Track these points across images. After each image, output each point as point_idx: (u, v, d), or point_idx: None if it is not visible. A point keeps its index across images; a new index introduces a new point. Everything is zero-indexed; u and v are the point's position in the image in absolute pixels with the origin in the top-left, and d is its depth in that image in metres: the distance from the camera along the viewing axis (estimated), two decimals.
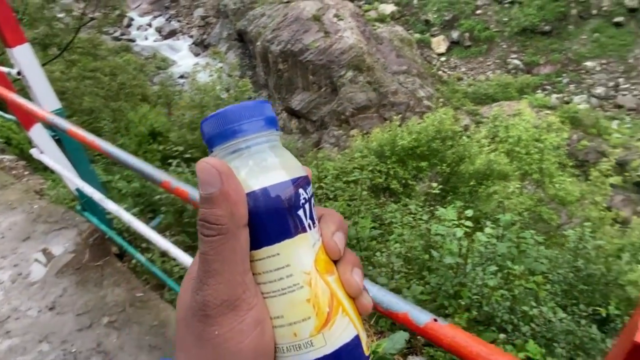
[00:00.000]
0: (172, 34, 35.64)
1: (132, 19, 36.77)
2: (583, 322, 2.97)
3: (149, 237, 1.87)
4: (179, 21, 37.31)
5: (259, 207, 0.38)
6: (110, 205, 2.04)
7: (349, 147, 9.32)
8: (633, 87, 20.97)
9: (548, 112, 19.72)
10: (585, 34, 22.76)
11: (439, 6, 26.20)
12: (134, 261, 2.93)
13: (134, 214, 4.48)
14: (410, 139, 7.01)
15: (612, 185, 9.49)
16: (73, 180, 2.33)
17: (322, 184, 5.61)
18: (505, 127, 9.65)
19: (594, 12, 22.85)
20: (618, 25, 22.21)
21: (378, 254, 3.66)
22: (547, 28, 23.38)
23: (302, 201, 0.40)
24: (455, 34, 25.51)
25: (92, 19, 10.63)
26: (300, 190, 0.40)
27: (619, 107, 20.46)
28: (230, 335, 0.37)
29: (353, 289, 0.42)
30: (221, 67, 18.22)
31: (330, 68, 24.13)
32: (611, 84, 21.33)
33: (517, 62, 23.55)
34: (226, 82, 14.13)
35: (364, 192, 6.25)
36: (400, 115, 21.95)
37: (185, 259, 1.70)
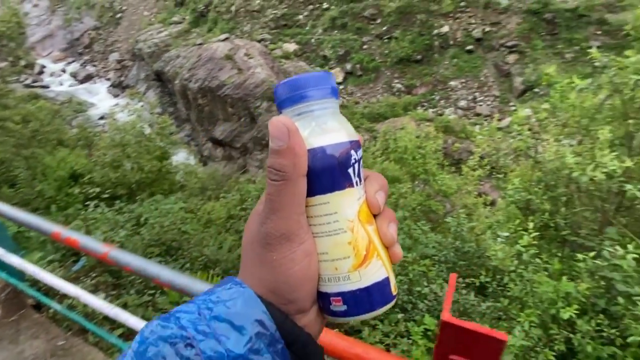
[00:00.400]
0: (88, 78, 32.65)
1: (43, 66, 32.97)
2: (464, 291, 3.25)
3: (57, 286, 1.66)
4: (94, 66, 34.34)
5: (317, 161, 0.41)
6: (13, 259, 1.77)
7: None
8: (486, 99, 23.87)
9: (427, 123, 21.60)
10: (447, 60, 25.50)
11: (333, 44, 27.53)
12: (51, 310, 2.58)
13: (56, 260, 3.94)
14: None
15: (480, 176, 10.49)
16: None
17: (244, 206, 5.48)
18: (394, 139, 10.30)
19: (451, 42, 25.74)
20: (469, 52, 25.25)
21: None
22: (418, 57, 25.78)
23: (353, 161, 0.42)
24: (348, 66, 26.96)
25: None
26: (352, 152, 0.42)
27: (478, 114, 23.14)
28: (284, 261, 0.40)
29: (388, 239, 0.44)
30: (142, 106, 17.11)
31: (247, 100, 23.92)
32: (470, 97, 24.08)
33: (399, 85, 25.57)
34: (148, 119, 13.26)
35: None
36: None
37: (96, 303, 1.53)
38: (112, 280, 3.38)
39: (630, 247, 2.43)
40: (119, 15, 37.02)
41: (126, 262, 0.95)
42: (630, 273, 2.58)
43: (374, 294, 0.43)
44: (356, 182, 0.43)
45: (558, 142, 3.99)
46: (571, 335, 2.56)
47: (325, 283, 0.43)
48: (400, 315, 2.69)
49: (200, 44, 27.49)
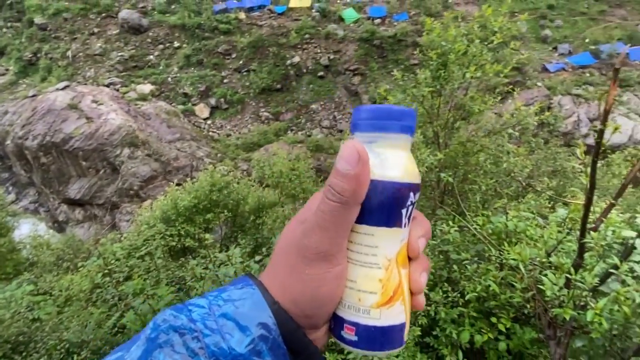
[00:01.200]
0: None
1: None
2: None
3: None
4: None
5: (375, 194, 0.41)
6: None
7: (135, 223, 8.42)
8: (344, 117, 26.42)
9: (300, 145, 22.73)
10: (304, 86, 27.47)
11: (192, 80, 26.87)
12: None
13: None
14: (190, 198, 6.82)
15: None
16: None
17: (110, 269, 4.81)
18: (268, 165, 10.51)
19: (304, 70, 27.85)
20: (321, 77, 27.72)
21: None
22: (278, 86, 27.12)
23: (408, 203, 0.42)
24: (212, 101, 26.62)
25: None
26: (410, 194, 0.42)
27: (340, 131, 25.40)
28: (315, 278, 0.41)
29: (417, 287, 0.44)
30: None
31: (104, 150, 21.31)
32: (331, 117, 26.33)
33: (266, 114, 26.37)
34: None
35: (159, 260, 5.69)
36: (187, 176, 21.23)
37: None
38: None
39: (452, 222, 2.97)
40: None
41: None
42: (457, 243, 3.14)
43: (387, 336, 0.43)
44: (405, 224, 0.43)
45: None
46: (429, 308, 2.95)
47: (344, 308, 0.43)
48: None
49: (33, 96, 23.57)
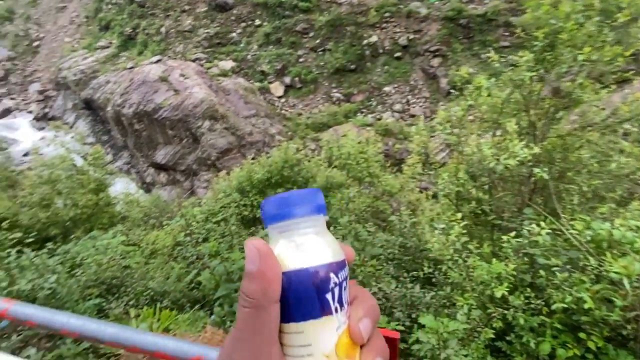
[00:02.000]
0: (6, 112, 29.63)
1: None
2: (409, 285, 3.38)
3: None
4: (12, 99, 31.26)
5: (291, 286, 0.38)
6: None
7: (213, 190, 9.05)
8: (418, 101, 25.31)
9: (369, 128, 22.38)
10: (379, 67, 26.72)
11: (269, 58, 27.66)
12: None
13: None
14: (263, 172, 7.12)
15: (418, 173, 10.96)
16: None
17: (191, 230, 5.26)
18: (337, 147, 10.53)
19: (381, 50, 27.03)
20: (398, 58, 26.68)
21: None
22: (352, 67, 26.74)
23: (332, 285, 0.39)
24: (287, 79, 27.21)
25: None
26: (331, 275, 0.39)
27: (413, 116, 24.44)
28: None
29: None
30: (72, 137, 15.83)
31: (187, 121, 23.12)
32: (404, 100, 25.39)
33: (338, 95, 26.29)
34: (79, 151, 12.31)
35: (233, 227, 6.08)
36: (259, 151, 22.26)
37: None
38: (44, 331, 3.06)
39: (543, 224, 2.69)
40: (36, 44, 34.21)
41: (29, 316, 0.87)
42: (547, 247, 2.85)
43: None
44: (336, 309, 0.39)
45: (478, 136, 4.33)
46: (505, 312, 2.75)
47: None
48: None
49: (131, 68, 26.22)
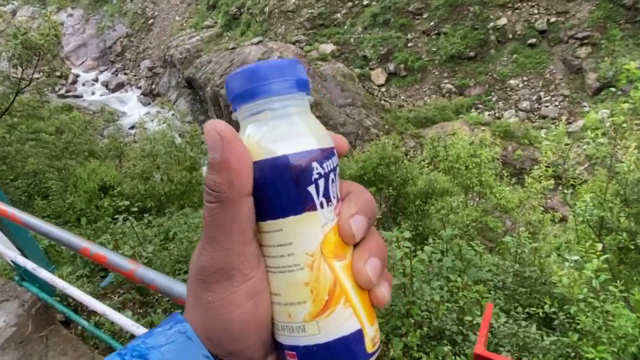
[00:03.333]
0: (119, 86, 35.07)
1: (77, 76, 35.90)
2: (524, 323, 3.12)
3: (86, 302, 1.81)
4: (125, 74, 36.84)
5: (265, 177, 0.35)
6: (44, 274, 1.96)
7: None
8: (553, 99, 22.82)
9: (483, 128, 20.97)
10: (505, 56, 24.75)
11: (374, 42, 27.66)
12: (80, 327, 2.78)
13: (84, 275, 4.26)
14: (357, 168, 7.21)
15: (546, 188, 10.06)
16: (5, 251, 2.22)
17: None
18: (444, 146, 10.14)
19: (510, 36, 24.98)
20: (532, 46, 24.36)
21: None
22: (471, 54, 25.23)
23: (315, 176, 0.36)
24: (391, 66, 26.92)
25: (31, 81, 10.32)
26: (315, 164, 0.36)
27: (544, 117, 22.14)
28: (221, 304, 0.35)
29: (363, 280, 0.37)
30: (172, 114, 18.05)
31: None
32: (534, 97, 23.14)
33: (449, 86, 25.11)
34: (178, 128, 13.98)
35: None
36: (351, 144, 22.54)
37: (122, 321, 1.65)
38: (140, 297, 3.59)
39: None
40: (150, 22, 39.59)
41: (152, 280, 1.04)
42: None
43: (338, 352, 0.36)
44: (321, 204, 0.36)
45: (639, 150, 3.76)
46: None
47: (279, 331, 0.38)
48: (447, 348, 2.63)
49: (232, 48, 28.72)
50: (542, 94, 23.08)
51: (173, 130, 12.86)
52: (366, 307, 0.38)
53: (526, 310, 3.38)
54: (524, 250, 4.48)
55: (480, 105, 23.88)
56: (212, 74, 27.63)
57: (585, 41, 22.72)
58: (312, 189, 0.36)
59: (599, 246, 2.62)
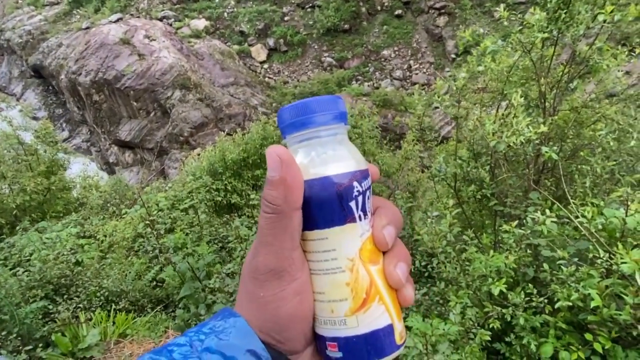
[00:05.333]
0: None
1: None
2: None
3: None
4: None
5: (314, 194, 0.42)
6: None
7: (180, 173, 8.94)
8: (422, 67, 25.03)
9: (365, 99, 22.17)
10: (377, 28, 26.23)
11: (249, 17, 26.92)
12: None
13: None
14: (239, 151, 7.01)
15: (419, 149, 10.97)
16: None
17: (153, 219, 5.18)
18: None
19: (379, 8, 26.48)
20: (399, 17, 26.18)
21: (215, 280, 3.52)
22: (346, 26, 26.19)
23: (355, 193, 0.43)
24: (271, 41, 26.60)
25: None
26: (355, 183, 0.43)
27: (415, 84, 24.21)
28: (271, 299, 0.42)
29: (394, 281, 0.45)
30: (20, 111, 15.41)
31: (155, 91, 22.67)
32: (405, 66, 25.09)
33: (330, 59, 25.84)
34: (28, 127, 12.00)
35: (203, 215, 6.02)
36: (239, 126, 21.98)
37: None
38: None
39: (548, 211, 2.67)
40: None
41: None
42: (553, 237, 2.84)
43: (373, 343, 0.44)
44: (359, 217, 0.44)
45: (483, 109, 4.26)
46: (504, 311, 2.77)
47: (321, 325, 0.45)
48: None
49: (86, 28, 25.39)
50: (411, 62, 25.13)
51: (20, 129, 11.00)
52: (395, 305, 0.45)
53: None
54: (401, 211, 4.85)
55: (359, 77, 25.11)
56: (65, 60, 24.16)
57: (443, 11, 25.20)
58: (352, 204, 0.43)
59: (451, 202, 2.94)
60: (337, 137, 0.45)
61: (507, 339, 2.92)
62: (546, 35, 3.28)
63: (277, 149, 0.42)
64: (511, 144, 2.92)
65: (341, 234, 0.43)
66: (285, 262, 0.42)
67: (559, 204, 2.85)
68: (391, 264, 0.45)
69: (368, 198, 0.45)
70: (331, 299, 0.44)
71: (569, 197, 3.13)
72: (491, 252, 2.78)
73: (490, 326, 2.81)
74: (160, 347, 0.41)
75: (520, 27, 3.27)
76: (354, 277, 0.43)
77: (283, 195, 0.41)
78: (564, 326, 2.74)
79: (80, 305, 3.80)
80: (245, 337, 0.42)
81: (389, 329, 0.45)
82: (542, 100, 3.39)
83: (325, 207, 0.43)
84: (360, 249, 0.44)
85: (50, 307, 3.79)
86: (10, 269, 4.57)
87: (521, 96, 2.84)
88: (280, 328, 0.43)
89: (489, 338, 2.75)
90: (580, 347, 2.59)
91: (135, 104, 22.91)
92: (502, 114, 3.65)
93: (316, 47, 26.49)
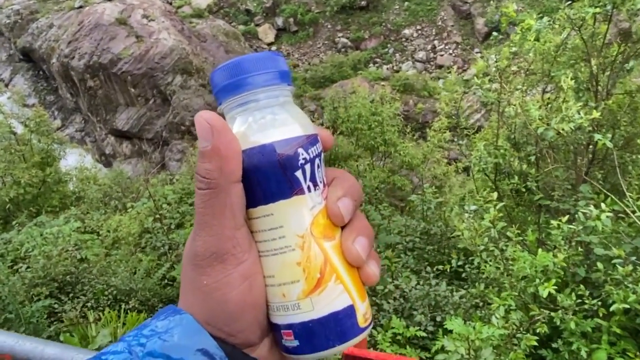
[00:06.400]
0: None
1: None
2: (434, 282, 3.40)
3: None
4: None
5: (254, 164, 0.41)
6: None
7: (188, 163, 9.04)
8: (447, 47, 24.80)
9: (383, 83, 22.06)
10: (397, 4, 26.03)
11: None
12: None
13: None
14: None
15: (447, 140, 10.91)
16: None
17: (161, 214, 5.28)
18: (344, 107, 10.39)
19: None
20: None
21: None
22: (363, 3, 26.04)
23: (302, 161, 0.42)
24: (279, 21, 26.57)
25: None
26: (300, 150, 0.42)
27: (440, 67, 24.01)
28: (216, 286, 0.41)
29: (352, 257, 0.43)
30: (9, 98, 15.71)
31: (154, 76, 22.88)
32: (429, 47, 24.88)
33: (344, 40, 25.73)
34: (18, 115, 12.23)
35: None
36: None
37: None
38: None
39: (603, 205, 2.66)
40: None
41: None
42: (607, 233, 2.83)
43: (332, 327, 0.43)
44: (308, 188, 0.42)
45: (524, 93, 4.23)
46: (552, 314, 2.77)
47: (274, 313, 0.44)
48: None
49: (79, 7, 25.66)
50: (436, 42, 24.89)
51: (12, 118, 11.22)
52: (356, 285, 0.44)
53: (436, 268, 3.69)
54: (429, 206, 4.85)
55: (377, 59, 24.97)
56: (56, 42, 24.48)
57: None
58: (299, 173, 0.42)
59: (495, 194, 2.94)
60: (279, 100, 0.44)
61: (554, 345, 2.92)
62: (598, 10, 3.25)
63: (206, 114, 0.40)
64: (560, 132, 2.91)
65: (288, 209, 0.42)
66: (227, 244, 0.41)
67: (614, 198, 2.83)
68: (349, 238, 0.43)
69: (318, 167, 0.44)
70: (282, 281, 0.43)
71: (624, 190, 3.11)
72: (539, 251, 2.78)
73: (537, 331, 2.82)
74: (93, 357, 0.39)
75: (569, 2, 3.23)
76: (305, 256, 0.42)
77: (218, 166, 0.39)
78: (618, 331, 2.73)
79: (88, 304, 3.90)
80: (194, 336, 0.40)
81: (350, 310, 0.43)
82: (594, 83, 3.35)
83: (267, 179, 0.41)
84: (312, 223, 0.42)
85: (56, 305, 3.89)
86: (9, 267, 4.70)
87: (571, 78, 2.82)
88: (229, 319, 0.42)
89: (535, 344, 2.75)
90: (637, 354, 2.59)
91: (132, 90, 23.14)
92: (548, 98, 3.62)
93: (329, 26, 26.37)
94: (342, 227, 0.44)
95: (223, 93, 0.43)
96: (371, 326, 0.46)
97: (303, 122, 0.44)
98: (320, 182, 0.44)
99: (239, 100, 0.43)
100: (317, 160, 0.43)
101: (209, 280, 0.41)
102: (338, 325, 0.43)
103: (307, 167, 0.42)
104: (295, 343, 0.43)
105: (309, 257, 0.42)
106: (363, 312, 0.44)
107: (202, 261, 0.41)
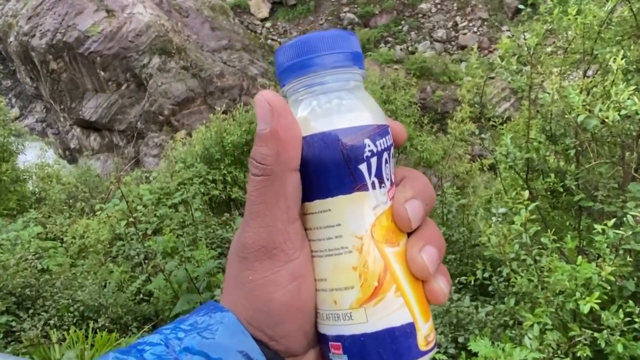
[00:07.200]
0: None
1: None
2: (455, 297, 3.40)
3: None
4: None
5: (314, 153, 0.42)
6: None
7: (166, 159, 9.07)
8: (471, 24, 24.83)
9: (396, 66, 22.09)
10: None
11: None
12: None
13: None
14: (241, 132, 7.09)
15: (470, 132, 10.92)
16: None
17: (135, 217, 5.30)
18: None
19: None
20: None
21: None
22: None
23: (368, 154, 0.42)
24: None
25: None
26: (367, 141, 0.42)
27: (462, 47, 24.02)
28: (262, 283, 0.43)
29: (418, 269, 0.43)
30: None
31: (127, 57, 22.94)
32: (450, 24, 24.91)
33: (351, 15, 25.79)
34: None
35: (198, 212, 6.11)
36: (234, 102, 22.11)
37: None
38: None
39: None
40: None
41: None
42: None
43: (386, 344, 0.43)
44: (373, 184, 0.43)
45: (561, 76, 4.22)
46: (596, 334, 2.77)
47: (323, 321, 0.45)
48: None
49: None
50: (458, 18, 24.92)
51: None
52: (420, 301, 0.44)
53: (458, 280, 3.69)
54: (450, 209, 4.86)
55: (390, 38, 25.02)
56: (14, 17, 24.57)
57: None
58: (363, 167, 0.42)
59: (526, 194, 2.93)
60: (349, 84, 0.45)
61: None
62: None
63: (267, 94, 0.42)
64: (605, 120, 2.90)
65: (348, 205, 0.43)
66: (279, 237, 0.42)
67: None
68: (415, 246, 0.44)
69: (387, 162, 0.44)
70: (334, 286, 0.43)
71: None
72: (580, 260, 2.78)
73: (577, 354, 2.82)
74: (127, 347, 0.41)
75: None
76: (362, 260, 0.43)
77: (275, 152, 0.41)
78: None
79: (50, 322, 3.92)
80: (235, 336, 0.42)
81: (409, 328, 0.43)
82: None
83: (327, 170, 0.42)
84: (374, 224, 0.43)
85: (14, 323, 3.91)
86: None
87: (622, 58, 2.82)
88: (273, 321, 0.43)
89: None
90: None
91: (102, 74, 23.20)
92: (591, 82, 3.62)
93: (333, 0, 26.46)
94: (409, 234, 0.45)
95: (286, 73, 0.45)
96: (434, 351, 0.46)
97: (374, 110, 0.45)
98: (387, 179, 0.44)
99: (303, 82, 0.44)
100: (385, 154, 0.44)
101: (255, 275, 0.43)
102: (394, 344, 0.43)
103: (374, 160, 0.43)
104: (344, 358, 0.43)
105: (366, 262, 0.43)
106: (425, 333, 0.44)
107: (250, 254, 0.43)
